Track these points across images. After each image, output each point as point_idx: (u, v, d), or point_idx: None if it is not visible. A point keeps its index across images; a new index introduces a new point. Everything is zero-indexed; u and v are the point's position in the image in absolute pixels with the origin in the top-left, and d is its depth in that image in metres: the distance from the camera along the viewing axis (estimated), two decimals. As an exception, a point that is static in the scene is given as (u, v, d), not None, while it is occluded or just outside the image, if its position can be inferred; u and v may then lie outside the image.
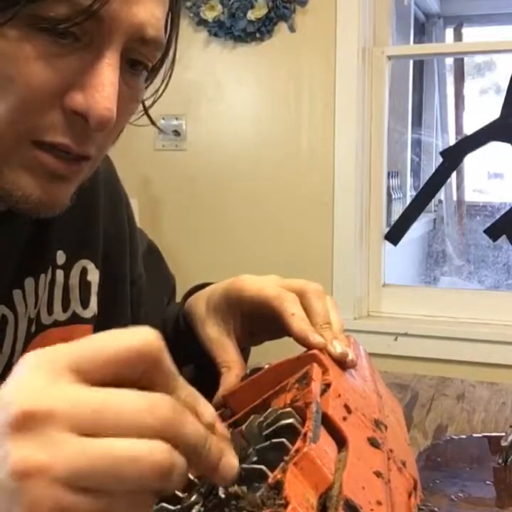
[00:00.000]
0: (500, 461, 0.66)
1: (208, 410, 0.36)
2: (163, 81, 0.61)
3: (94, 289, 0.68)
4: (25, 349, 0.61)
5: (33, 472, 0.30)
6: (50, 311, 0.64)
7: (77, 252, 0.67)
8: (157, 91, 0.62)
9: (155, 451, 0.31)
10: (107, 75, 0.48)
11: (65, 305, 0.66)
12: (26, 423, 0.31)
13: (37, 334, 0.63)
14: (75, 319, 0.66)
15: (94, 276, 0.68)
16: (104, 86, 0.48)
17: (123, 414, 0.31)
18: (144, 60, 0.53)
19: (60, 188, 0.52)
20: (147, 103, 0.62)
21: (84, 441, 0.31)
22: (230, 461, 0.35)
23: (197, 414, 0.35)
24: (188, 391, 0.36)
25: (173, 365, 0.35)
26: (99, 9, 0.46)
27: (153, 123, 0.64)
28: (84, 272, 0.67)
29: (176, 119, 2.27)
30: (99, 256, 0.69)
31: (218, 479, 0.35)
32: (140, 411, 0.32)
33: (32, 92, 0.47)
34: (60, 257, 0.65)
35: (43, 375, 0.32)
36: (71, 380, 0.32)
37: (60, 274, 0.65)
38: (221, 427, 0.36)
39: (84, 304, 0.67)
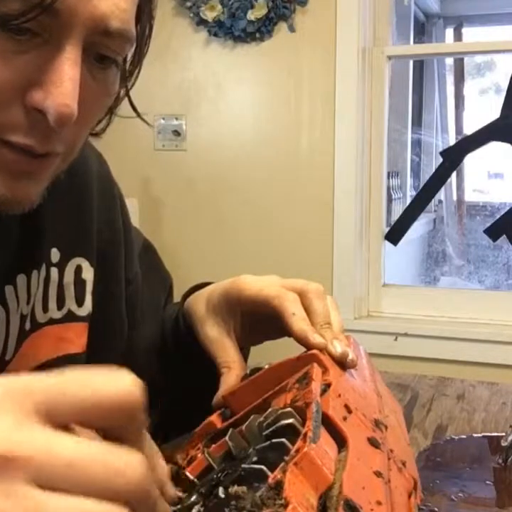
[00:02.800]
0: (500, 461, 0.66)
1: (163, 466, 0.37)
2: (131, 73, 0.59)
3: (89, 287, 0.68)
4: (20, 346, 0.61)
5: None
6: (45, 308, 0.64)
7: (72, 249, 0.67)
8: (126, 86, 0.59)
9: None
10: (66, 70, 0.47)
11: (60, 303, 0.66)
12: None
13: (32, 332, 0.63)
14: (70, 317, 0.66)
15: (88, 274, 0.68)
16: (62, 82, 0.46)
17: (94, 472, 0.29)
18: (112, 54, 0.51)
19: (26, 185, 0.51)
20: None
21: (45, 495, 0.28)
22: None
23: (153, 469, 0.34)
24: (150, 444, 0.35)
25: (144, 419, 0.33)
26: (52, 3, 0.44)
27: (139, 116, 0.62)
28: (78, 269, 0.67)
29: (176, 119, 2.27)
30: (93, 254, 0.69)
31: None
32: (113, 471, 0.29)
33: None
34: (55, 255, 0.65)
35: (8, 414, 0.29)
36: (40, 423, 0.29)
37: (54, 271, 0.65)
38: (170, 486, 0.38)
39: (79, 301, 0.67)
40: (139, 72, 0.59)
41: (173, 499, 0.37)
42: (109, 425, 0.31)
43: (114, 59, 0.52)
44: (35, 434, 0.29)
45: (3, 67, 0.46)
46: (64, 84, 0.46)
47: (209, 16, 2.14)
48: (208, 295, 0.68)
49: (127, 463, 0.30)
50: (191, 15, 2.18)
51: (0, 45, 0.46)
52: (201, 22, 2.17)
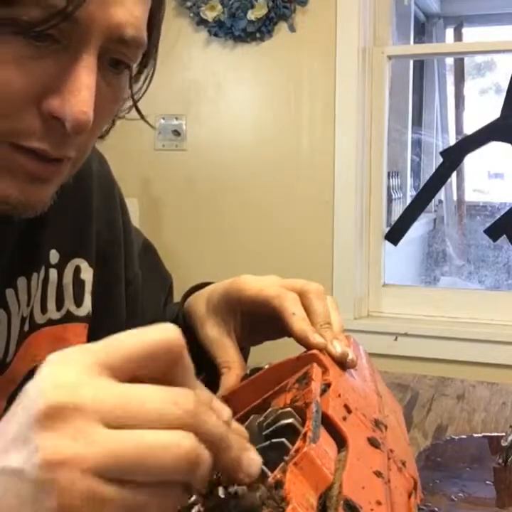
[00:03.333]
0: (500, 461, 0.66)
1: (224, 409, 0.37)
2: (146, 79, 0.61)
3: (88, 287, 0.68)
4: (18, 348, 0.61)
5: (64, 462, 0.30)
6: (43, 309, 0.64)
7: (71, 250, 0.67)
8: (140, 89, 0.61)
9: (182, 440, 0.32)
10: (83, 78, 0.48)
11: (59, 303, 0.66)
12: (55, 415, 0.31)
13: (31, 333, 0.63)
14: (69, 318, 0.66)
15: (87, 274, 0.68)
16: (80, 90, 0.47)
17: (149, 406, 0.32)
18: (126, 60, 0.52)
19: (39, 189, 0.52)
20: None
21: (113, 432, 0.31)
22: (253, 457, 0.36)
23: (215, 412, 0.35)
24: (204, 390, 0.36)
25: (191, 363, 0.36)
26: (74, 11, 0.45)
27: (143, 118, 0.63)
28: (77, 270, 0.67)
29: (176, 119, 2.27)
30: (92, 255, 0.69)
31: (242, 476, 0.35)
32: (165, 403, 0.33)
33: (8, 97, 0.47)
34: (54, 256, 0.65)
35: (71, 370, 0.33)
36: (98, 374, 0.33)
37: (53, 272, 0.65)
38: (237, 425, 0.37)
39: (78, 302, 0.67)
40: (152, 77, 0.61)
41: (246, 437, 0.37)
42: (159, 369, 0.34)
43: (127, 64, 0.53)
44: (95, 383, 0.32)
45: (20, 73, 0.47)
46: (82, 92, 0.47)
47: (209, 15, 2.14)
48: (207, 295, 0.68)
49: (178, 394, 0.33)
50: (191, 15, 2.18)
51: (19, 52, 0.46)
52: (201, 22, 2.17)
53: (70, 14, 0.45)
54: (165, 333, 0.35)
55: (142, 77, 0.60)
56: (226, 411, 0.36)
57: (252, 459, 0.35)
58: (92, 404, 0.32)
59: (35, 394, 0.32)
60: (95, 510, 0.31)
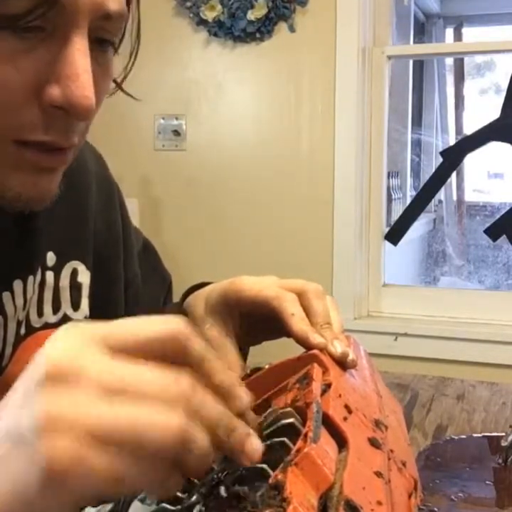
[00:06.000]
0: (500, 461, 0.66)
1: (242, 398, 0.37)
2: (131, 54, 0.59)
3: (86, 290, 0.68)
4: (14, 352, 0.60)
5: (58, 424, 0.31)
6: (39, 313, 0.63)
7: (67, 253, 0.66)
8: (126, 67, 0.59)
9: (174, 418, 0.33)
10: (79, 61, 0.47)
11: (56, 307, 0.65)
12: (57, 378, 0.32)
13: (27, 337, 0.62)
14: (66, 322, 0.65)
15: (85, 277, 0.68)
16: (78, 75, 0.46)
17: (146, 383, 0.33)
18: (110, 37, 0.51)
19: (48, 180, 0.52)
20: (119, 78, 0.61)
21: (108, 402, 0.32)
22: (255, 442, 0.36)
23: (229, 400, 0.36)
24: (224, 377, 0.37)
25: (208, 350, 0.37)
26: None
27: (126, 93, 0.62)
28: (74, 273, 0.67)
29: (176, 119, 2.27)
30: (90, 257, 0.69)
31: (243, 460, 0.36)
32: (161, 382, 0.34)
33: (5, 94, 0.46)
34: (50, 259, 0.64)
35: (77, 341, 0.34)
36: (101, 349, 0.34)
37: (50, 275, 0.64)
38: (252, 415, 0.38)
39: (75, 305, 0.67)
40: (136, 52, 0.59)
41: (254, 423, 0.38)
42: (164, 357, 0.35)
43: (111, 41, 0.52)
44: (99, 356, 0.34)
45: (14, 69, 0.46)
46: (80, 77, 0.46)
47: (209, 16, 2.14)
48: (206, 296, 0.68)
49: (177, 377, 0.34)
50: (191, 15, 2.18)
51: (9, 47, 0.45)
52: (201, 22, 2.17)
53: (56, 0, 0.44)
54: (172, 325, 0.36)
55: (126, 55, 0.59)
56: (243, 400, 0.37)
57: (253, 444, 0.36)
58: (93, 373, 0.33)
59: (41, 359, 0.33)
60: (83, 474, 0.31)
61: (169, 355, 0.35)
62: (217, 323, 0.65)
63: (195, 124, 2.26)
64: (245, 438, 0.36)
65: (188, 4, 2.16)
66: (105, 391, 0.32)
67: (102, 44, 0.51)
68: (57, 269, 0.65)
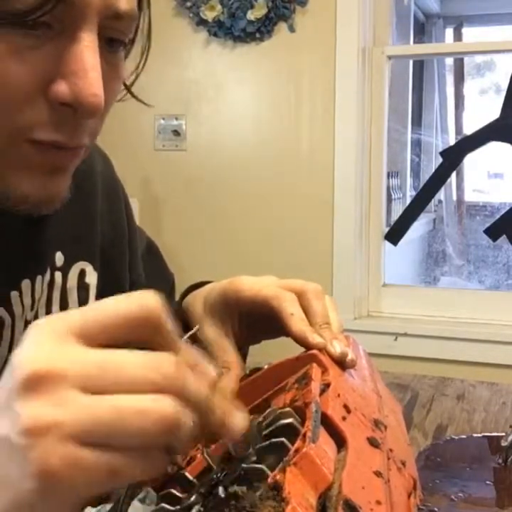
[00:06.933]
0: (500, 461, 0.66)
1: (210, 370, 0.37)
2: (142, 54, 0.59)
3: (93, 291, 0.67)
4: None
5: (44, 429, 0.31)
6: (48, 313, 0.63)
7: (75, 253, 0.66)
8: (137, 67, 0.59)
9: (159, 403, 0.32)
10: (88, 58, 0.46)
11: (63, 307, 0.65)
12: (35, 384, 0.32)
13: None
14: None
15: (92, 278, 0.67)
16: (86, 71, 0.46)
17: (126, 371, 0.33)
18: (121, 36, 0.51)
19: (58, 182, 0.51)
20: (129, 80, 0.60)
21: (91, 398, 0.32)
22: (237, 417, 0.36)
23: (199, 374, 0.35)
24: (189, 353, 0.36)
25: (174, 328, 0.36)
26: None
27: (135, 98, 0.61)
28: (82, 274, 0.67)
29: (176, 119, 2.27)
30: (97, 258, 0.68)
31: (228, 436, 0.36)
32: (143, 367, 0.33)
33: (13, 91, 0.46)
34: (59, 259, 0.64)
35: (48, 339, 0.33)
36: (75, 342, 0.33)
37: (58, 275, 0.64)
38: (224, 385, 0.37)
39: (83, 306, 0.66)
40: (147, 54, 0.58)
41: (232, 396, 0.38)
42: (136, 336, 0.35)
43: (122, 41, 0.51)
44: (72, 351, 0.33)
45: (22, 65, 0.45)
46: (88, 74, 0.46)
47: (209, 16, 2.14)
48: (205, 295, 0.68)
49: (155, 359, 0.33)
50: (191, 15, 2.18)
51: (16, 43, 0.45)
52: (201, 22, 2.17)
53: None
54: (142, 301, 0.35)
55: (137, 56, 0.59)
56: (212, 372, 0.36)
57: (236, 419, 0.36)
58: (69, 371, 0.32)
59: (16, 364, 0.33)
60: (77, 474, 0.31)
61: (142, 335, 0.35)
62: (216, 322, 0.65)
63: (195, 124, 2.26)
64: (228, 414, 0.35)
65: (188, 4, 2.16)
66: (86, 386, 0.32)
67: (112, 44, 0.50)
68: (65, 270, 0.65)
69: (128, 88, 0.59)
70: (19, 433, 0.31)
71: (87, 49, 0.46)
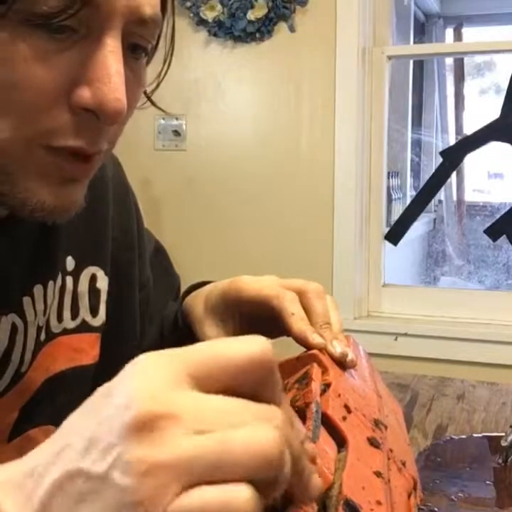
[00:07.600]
0: (500, 461, 0.66)
1: (302, 429, 0.36)
2: (165, 61, 0.58)
3: (104, 296, 0.67)
4: (34, 357, 0.59)
5: (153, 472, 0.29)
6: (59, 318, 0.62)
7: (86, 258, 0.65)
8: (159, 74, 0.59)
9: (274, 436, 0.31)
10: (111, 63, 0.45)
11: (74, 312, 0.64)
12: (147, 426, 0.30)
13: (47, 342, 0.61)
14: (84, 327, 0.64)
15: (103, 283, 0.66)
16: (110, 76, 0.45)
17: (242, 413, 0.31)
18: (144, 43, 0.50)
19: (74, 190, 0.50)
20: (150, 87, 0.60)
21: (200, 440, 0.30)
22: (317, 481, 0.35)
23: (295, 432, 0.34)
24: (288, 407, 0.35)
25: (280, 379, 0.34)
26: None
27: (155, 105, 0.61)
28: (93, 279, 0.66)
29: (176, 119, 2.27)
30: (108, 262, 0.67)
31: (306, 498, 0.35)
32: (255, 419, 0.31)
33: (35, 95, 0.45)
34: (70, 263, 0.63)
35: (161, 378, 0.31)
36: (190, 386, 0.32)
37: (69, 280, 0.63)
38: (310, 447, 0.36)
39: (94, 312, 0.66)
40: (170, 60, 0.58)
41: (315, 460, 0.36)
42: (250, 383, 0.33)
43: (144, 47, 0.51)
44: (187, 394, 0.31)
45: (46, 69, 0.45)
46: (112, 79, 0.45)
47: (209, 16, 2.14)
48: (206, 295, 0.68)
49: (270, 411, 0.32)
50: (191, 15, 2.18)
51: (40, 46, 0.44)
52: (201, 22, 2.17)
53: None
54: (258, 348, 0.33)
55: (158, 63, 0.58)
56: (303, 431, 0.36)
57: (316, 483, 0.35)
58: (185, 414, 0.30)
59: (126, 400, 0.30)
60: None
61: (252, 383, 0.33)
62: (217, 323, 0.65)
63: (195, 124, 2.26)
64: (313, 476, 0.34)
65: (188, 4, 2.16)
66: (200, 428, 0.30)
67: (135, 50, 0.50)
68: (76, 274, 0.64)
69: (148, 96, 0.59)
70: (126, 473, 0.29)
71: (112, 54, 0.46)
